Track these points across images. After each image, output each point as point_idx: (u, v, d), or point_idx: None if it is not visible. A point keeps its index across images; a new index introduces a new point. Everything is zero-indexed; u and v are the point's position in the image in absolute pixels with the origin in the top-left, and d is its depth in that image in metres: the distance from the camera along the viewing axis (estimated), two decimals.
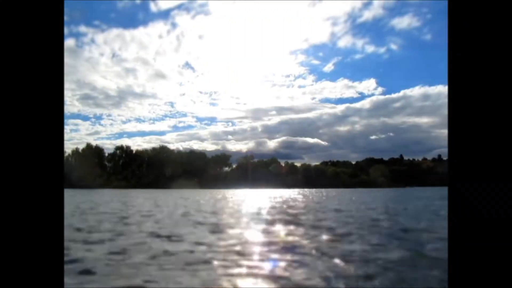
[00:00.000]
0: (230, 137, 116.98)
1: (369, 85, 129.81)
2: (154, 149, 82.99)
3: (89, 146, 77.83)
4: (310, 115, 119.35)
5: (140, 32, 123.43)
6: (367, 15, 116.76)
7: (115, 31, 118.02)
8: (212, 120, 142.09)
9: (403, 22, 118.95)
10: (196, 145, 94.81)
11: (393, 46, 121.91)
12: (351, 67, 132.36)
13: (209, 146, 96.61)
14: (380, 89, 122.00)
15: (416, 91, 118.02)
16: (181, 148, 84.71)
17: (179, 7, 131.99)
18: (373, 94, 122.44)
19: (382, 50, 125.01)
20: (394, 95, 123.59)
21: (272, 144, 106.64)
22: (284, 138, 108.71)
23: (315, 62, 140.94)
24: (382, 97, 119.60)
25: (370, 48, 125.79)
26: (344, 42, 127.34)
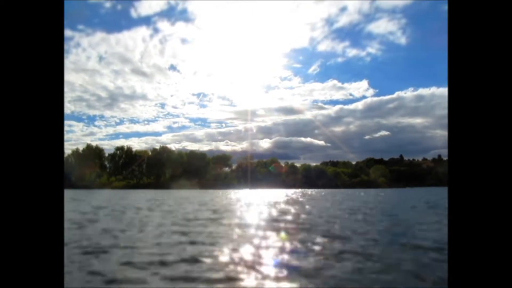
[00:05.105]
0: (224, 138, 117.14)
1: (359, 86, 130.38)
2: (154, 149, 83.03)
3: (89, 146, 77.73)
4: (303, 116, 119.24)
5: (124, 36, 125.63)
6: (344, 20, 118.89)
7: (99, 35, 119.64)
8: (204, 121, 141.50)
9: (380, 26, 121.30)
10: (190, 146, 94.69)
11: (374, 50, 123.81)
12: (336, 70, 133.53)
13: (203, 147, 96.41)
14: (371, 91, 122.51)
15: (409, 92, 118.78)
16: (173, 149, 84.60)
17: (159, 13, 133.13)
18: (364, 96, 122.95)
19: (363, 53, 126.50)
20: (387, 97, 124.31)
21: (266, 144, 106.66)
22: (278, 138, 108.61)
23: (297, 65, 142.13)
24: (376, 98, 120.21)
25: (351, 52, 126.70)
26: (324, 46, 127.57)
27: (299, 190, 52.22)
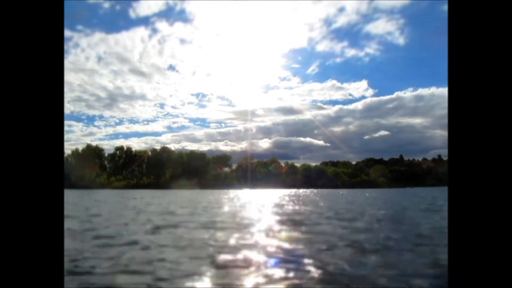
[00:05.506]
0: (223, 138, 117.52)
1: (359, 86, 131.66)
2: (154, 149, 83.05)
3: (89, 146, 77.71)
4: (303, 116, 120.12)
5: (123, 36, 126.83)
6: (342, 20, 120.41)
7: (98, 35, 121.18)
8: (203, 121, 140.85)
9: (378, 27, 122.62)
10: (190, 146, 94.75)
11: (373, 50, 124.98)
12: (335, 70, 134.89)
13: (203, 147, 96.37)
14: (370, 91, 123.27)
15: (408, 93, 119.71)
16: (173, 149, 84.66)
17: (158, 14, 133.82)
18: (364, 96, 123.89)
19: (361, 53, 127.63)
20: (386, 97, 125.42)
21: (266, 144, 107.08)
22: (278, 138, 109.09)
23: (295, 65, 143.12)
24: (375, 98, 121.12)
25: (350, 52, 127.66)
26: (323, 46, 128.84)
27: (301, 190, 52.09)
